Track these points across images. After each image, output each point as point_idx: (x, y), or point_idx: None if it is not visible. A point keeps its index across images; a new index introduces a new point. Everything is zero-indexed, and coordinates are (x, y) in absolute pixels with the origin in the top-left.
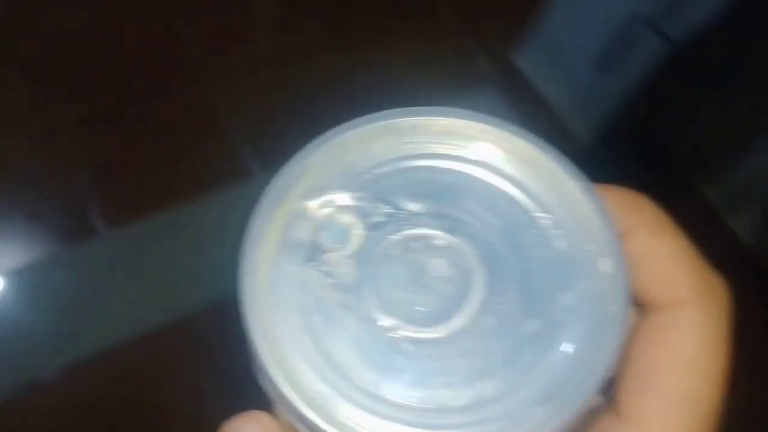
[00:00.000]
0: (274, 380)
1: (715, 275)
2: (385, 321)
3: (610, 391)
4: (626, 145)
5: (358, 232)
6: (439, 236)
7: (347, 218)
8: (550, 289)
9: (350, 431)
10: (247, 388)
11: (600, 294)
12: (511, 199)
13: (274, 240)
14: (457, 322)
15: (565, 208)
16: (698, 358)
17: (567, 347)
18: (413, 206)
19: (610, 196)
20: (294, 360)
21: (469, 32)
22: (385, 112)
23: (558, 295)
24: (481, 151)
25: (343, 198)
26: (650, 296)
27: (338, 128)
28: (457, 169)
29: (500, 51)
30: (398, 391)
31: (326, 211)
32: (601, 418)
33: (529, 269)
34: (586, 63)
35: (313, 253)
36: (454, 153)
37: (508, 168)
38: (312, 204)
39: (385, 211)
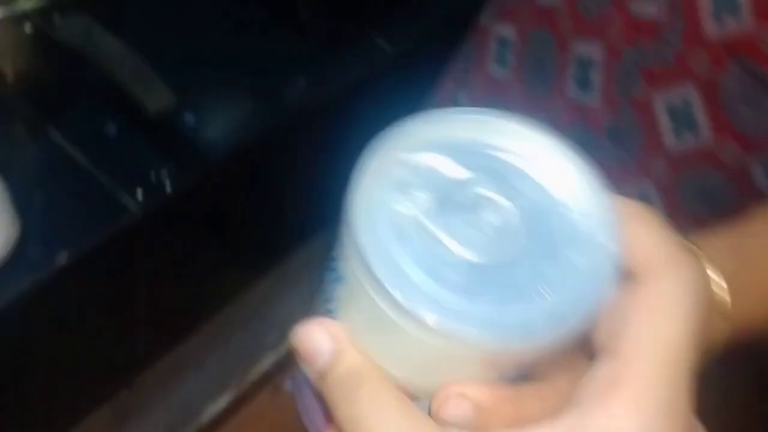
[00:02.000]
0: (367, 257)
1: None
2: (449, 244)
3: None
4: None
5: (442, 180)
6: (496, 197)
7: (436, 168)
8: (560, 245)
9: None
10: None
11: (594, 253)
12: (546, 191)
13: (381, 178)
14: (494, 254)
15: (581, 198)
16: (671, 308)
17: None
18: (483, 177)
19: (617, 201)
20: (383, 245)
21: None
22: (477, 109)
23: (565, 250)
24: (533, 151)
25: (436, 157)
26: (634, 268)
27: (444, 112)
28: (515, 162)
29: None
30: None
31: (420, 161)
32: (589, 368)
33: (546, 231)
34: None
35: (406, 188)
36: (517, 150)
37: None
38: (412, 156)
39: (466, 173)
